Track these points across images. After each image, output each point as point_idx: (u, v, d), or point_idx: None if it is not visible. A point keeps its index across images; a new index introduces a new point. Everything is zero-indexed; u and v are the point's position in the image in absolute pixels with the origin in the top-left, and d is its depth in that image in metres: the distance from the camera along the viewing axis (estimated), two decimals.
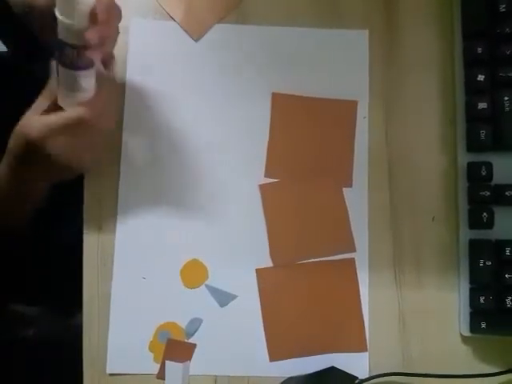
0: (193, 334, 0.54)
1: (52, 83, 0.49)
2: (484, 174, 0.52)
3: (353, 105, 0.57)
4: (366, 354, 0.54)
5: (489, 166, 0.52)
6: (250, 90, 0.57)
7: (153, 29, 0.57)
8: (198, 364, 0.54)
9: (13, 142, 0.50)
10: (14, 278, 0.62)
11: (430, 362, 0.53)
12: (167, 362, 0.53)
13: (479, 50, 0.53)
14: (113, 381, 0.54)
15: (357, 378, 0.52)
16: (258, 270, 0.55)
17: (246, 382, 0.53)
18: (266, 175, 0.56)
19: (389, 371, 0.52)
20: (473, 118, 0.53)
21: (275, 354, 0.54)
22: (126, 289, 0.54)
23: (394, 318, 0.54)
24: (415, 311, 0.54)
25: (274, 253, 0.55)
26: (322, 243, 0.55)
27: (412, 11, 0.57)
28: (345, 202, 0.55)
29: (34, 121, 0.49)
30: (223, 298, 0.54)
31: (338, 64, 0.57)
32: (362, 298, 0.54)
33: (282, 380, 0.53)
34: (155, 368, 0.53)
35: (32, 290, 0.67)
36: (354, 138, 0.56)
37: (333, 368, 0.52)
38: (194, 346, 0.54)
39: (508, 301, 0.51)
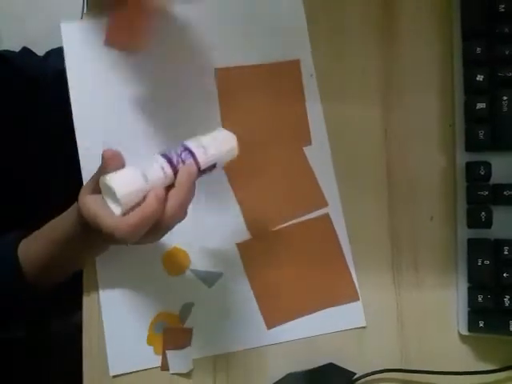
0: (186, 319, 0.55)
1: None
2: (482, 173, 0.52)
3: (295, 64, 0.57)
4: (359, 304, 0.54)
5: (487, 165, 0.52)
6: (193, 72, 0.57)
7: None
8: (197, 347, 0.55)
9: (85, 217, 0.46)
10: None
11: (428, 359, 0.53)
12: (168, 352, 0.54)
13: (478, 50, 0.53)
14: (116, 382, 0.55)
15: (355, 373, 0.53)
16: (238, 245, 0.56)
17: (244, 371, 0.54)
18: None
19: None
20: (471, 118, 0.53)
21: (271, 321, 0.55)
22: (114, 289, 0.55)
23: (392, 317, 0.54)
24: (414, 310, 0.54)
25: (250, 224, 0.56)
26: (295, 204, 0.56)
27: (412, 11, 0.57)
28: (307, 159, 0.56)
29: (115, 225, 0.43)
30: (209, 279, 0.55)
31: (276, 27, 0.58)
32: (343, 249, 0.55)
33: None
34: (157, 360, 0.55)
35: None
36: (304, 96, 0.57)
37: (331, 364, 0.53)
38: (190, 330, 0.55)
39: (506, 300, 0.51)
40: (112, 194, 0.43)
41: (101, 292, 0.55)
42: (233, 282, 0.55)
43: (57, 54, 0.82)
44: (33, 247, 0.53)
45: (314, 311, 0.55)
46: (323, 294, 0.55)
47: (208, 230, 0.56)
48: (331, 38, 0.57)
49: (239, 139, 0.55)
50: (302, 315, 0.55)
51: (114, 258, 0.56)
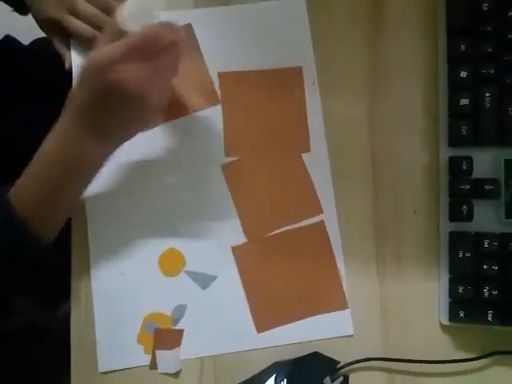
0: (179, 321, 0.56)
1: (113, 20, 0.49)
2: (465, 168, 0.53)
3: (298, 71, 0.58)
4: (347, 312, 0.55)
5: (469, 160, 0.54)
6: None
7: None
8: (188, 348, 0.55)
9: (80, 81, 0.47)
10: None
11: (410, 349, 0.54)
12: (158, 352, 0.55)
13: (463, 47, 0.54)
14: (104, 378, 0.55)
15: (339, 362, 0.54)
16: (233, 248, 0.56)
17: (232, 361, 0.55)
18: (227, 154, 0.57)
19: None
20: (455, 114, 0.54)
21: (262, 326, 0.56)
22: (107, 286, 0.56)
23: (375, 307, 0.55)
24: (396, 300, 0.55)
25: (246, 228, 0.57)
26: (291, 210, 0.57)
27: (397, 8, 0.58)
28: (305, 166, 0.57)
29: (100, 51, 0.47)
30: (204, 281, 0.56)
31: (280, 34, 0.58)
32: (336, 257, 0.56)
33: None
34: (147, 360, 0.55)
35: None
36: (305, 103, 0.58)
37: (316, 353, 0.54)
38: (181, 331, 0.56)
39: (485, 291, 0.52)
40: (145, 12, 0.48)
41: (93, 287, 0.56)
42: (226, 284, 0.56)
43: (42, 44, 0.81)
44: (26, 189, 0.50)
45: (304, 317, 0.56)
46: (314, 300, 0.56)
47: (204, 232, 0.57)
48: (318, 33, 0.58)
49: (241, 143, 0.57)
50: (292, 321, 0.56)
51: (110, 253, 0.56)
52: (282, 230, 0.57)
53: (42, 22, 0.60)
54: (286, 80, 0.58)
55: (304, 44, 0.58)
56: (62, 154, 0.49)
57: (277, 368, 0.54)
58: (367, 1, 0.58)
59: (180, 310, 0.56)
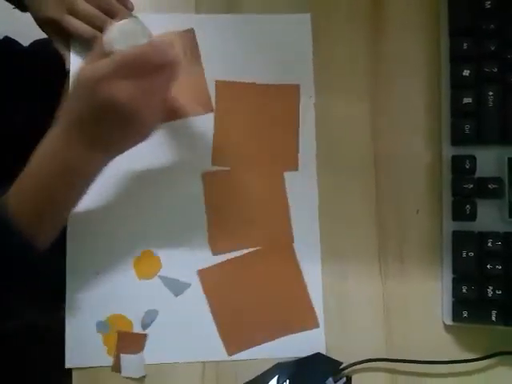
0: (149, 325, 0.55)
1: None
2: (468, 167, 0.53)
3: (295, 89, 0.57)
4: (319, 330, 0.55)
5: (472, 159, 0.53)
6: None
7: None
8: (152, 353, 0.55)
9: (69, 100, 0.47)
10: None
11: (413, 349, 0.54)
12: (122, 355, 0.54)
13: (465, 45, 0.54)
14: (106, 379, 0.54)
15: (341, 363, 0.53)
16: (200, 272, 0.55)
17: (234, 362, 0.55)
18: (213, 163, 0.57)
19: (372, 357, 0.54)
20: (458, 113, 0.54)
21: (232, 348, 0.55)
22: (81, 284, 0.55)
23: (378, 307, 0.55)
24: (399, 300, 0.55)
25: (212, 241, 0.56)
26: (260, 231, 0.56)
27: (399, 6, 0.58)
28: (284, 186, 0.56)
29: (88, 67, 0.46)
30: (177, 288, 0.55)
31: (282, 49, 0.58)
32: (305, 276, 0.55)
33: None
34: (110, 361, 0.54)
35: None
36: (298, 121, 0.57)
37: (318, 354, 0.54)
38: (145, 336, 0.55)
39: (489, 290, 0.52)
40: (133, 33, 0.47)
41: (68, 284, 0.55)
42: (200, 294, 0.55)
43: (42, 45, 0.81)
44: (21, 194, 0.49)
45: (276, 338, 0.55)
46: (285, 320, 0.55)
47: (180, 238, 0.56)
48: (318, 33, 0.58)
49: (229, 154, 0.56)
50: (264, 342, 0.55)
51: (86, 252, 0.55)
52: (249, 250, 0.56)
53: (42, 22, 0.60)
54: (283, 96, 0.57)
55: (304, 61, 0.57)
56: (55, 163, 0.48)
57: (279, 369, 0.54)
58: (368, 0, 0.58)
59: (151, 315, 0.55)
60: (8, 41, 0.82)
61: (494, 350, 0.53)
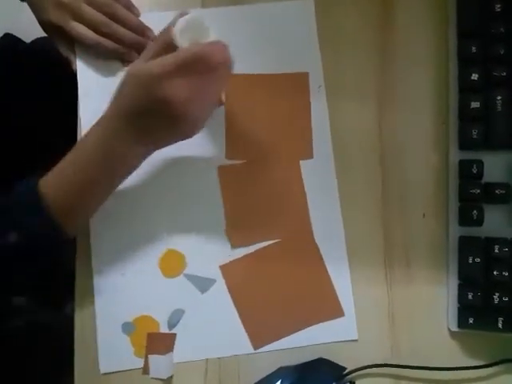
0: (176, 325, 0.55)
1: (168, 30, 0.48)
2: (475, 172, 0.53)
3: (304, 76, 0.57)
4: (345, 319, 0.54)
5: (480, 164, 0.53)
6: None
7: None
8: (186, 351, 0.54)
9: (121, 92, 0.48)
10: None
11: (418, 355, 0.54)
12: (151, 357, 0.54)
13: (473, 48, 0.53)
14: (107, 379, 0.54)
15: (345, 368, 0.53)
16: (221, 267, 0.55)
17: (237, 365, 0.54)
18: (228, 157, 0.56)
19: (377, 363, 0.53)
20: (465, 117, 0.54)
21: (258, 342, 0.54)
22: (107, 287, 0.55)
23: (383, 312, 0.55)
24: (405, 305, 0.54)
25: (231, 235, 0.55)
26: (279, 223, 0.56)
27: (408, 8, 0.57)
28: (300, 175, 0.56)
29: (149, 63, 0.46)
30: (203, 284, 0.55)
31: (287, 36, 0.58)
32: (328, 269, 0.55)
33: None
34: (141, 363, 0.54)
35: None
36: (310, 110, 0.57)
37: (321, 359, 0.54)
38: (174, 336, 0.54)
39: (495, 297, 0.51)
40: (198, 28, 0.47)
41: (95, 288, 0.55)
42: (224, 290, 0.55)
43: (44, 43, 0.80)
44: (59, 179, 0.49)
45: (301, 329, 0.54)
46: (308, 311, 0.55)
47: (203, 235, 0.56)
48: (327, 37, 0.57)
49: (242, 146, 0.56)
50: (289, 334, 0.54)
51: (111, 253, 0.55)
52: (270, 243, 0.55)
53: (46, 26, 0.60)
54: (292, 85, 0.57)
55: (311, 47, 0.57)
56: (101, 149, 0.48)
57: (282, 373, 0.53)
58: (376, 3, 0.57)
59: (177, 315, 0.55)
60: (9, 38, 0.81)
61: (499, 357, 0.52)
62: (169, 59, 0.45)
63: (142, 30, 0.57)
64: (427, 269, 0.55)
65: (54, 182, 0.49)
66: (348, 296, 0.55)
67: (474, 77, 0.53)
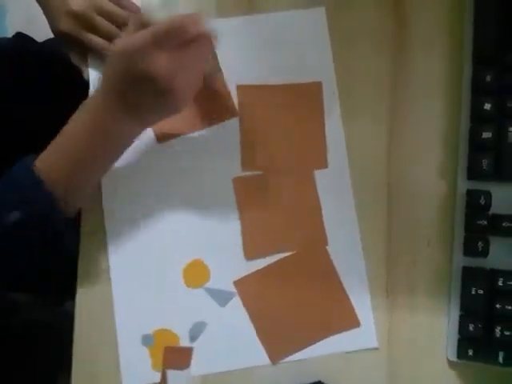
0: (197, 337, 0.54)
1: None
2: (483, 202, 0.52)
3: (317, 86, 0.57)
4: (362, 328, 0.54)
5: (488, 195, 0.52)
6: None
7: None
8: (207, 364, 0.54)
9: (107, 69, 0.49)
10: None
11: (416, 382, 0.53)
12: (169, 372, 0.53)
13: (488, 78, 0.53)
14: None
15: None
16: (235, 283, 0.55)
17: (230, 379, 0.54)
18: (244, 168, 0.56)
19: None
20: (476, 146, 0.53)
21: (275, 356, 0.54)
22: (127, 297, 0.55)
23: (382, 338, 0.54)
24: (404, 333, 0.54)
25: (247, 247, 0.55)
26: (295, 235, 0.55)
27: (423, 33, 0.56)
28: (315, 185, 0.56)
29: (128, 38, 0.48)
30: (222, 298, 0.55)
31: (299, 45, 0.57)
32: (344, 284, 0.54)
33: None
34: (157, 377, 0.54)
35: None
36: (324, 119, 0.56)
37: (319, 383, 0.53)
38: (191, 349, 0.54)
39: (497, 330, 0.51)
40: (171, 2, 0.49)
41: (114, 299, 0.55)
42: (241, 304, 0.55)
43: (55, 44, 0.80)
44: (53, 158, 0.51)
45: (318, 341, 0.54)
46: (325, 323, 0.54)
47: (226, 248, 0.56)
48: (340, 56, 0.57)
49: (258, 157, 0.56)
50: (306, 346, 0.54)
51: (131, 263, 0.55)
52: (283, 256, 0.55)
53: (57, 35, 0.60)
54: (305, 95, 0.57)
55: (324, 55, 0.57)
56: (93, 126, 0.50)
57: None
58: (392, 24, 0.57)
59: (199, 327, 0.54)
60: (21, 37, 0.81)
61: None
62: (145, 33, 0.46)
63: None
64: (429, 297, 0.54)
65: (47, 160, 0.50)
66: (366, 305, 0.54)
67: (487, 106, 0.52)
